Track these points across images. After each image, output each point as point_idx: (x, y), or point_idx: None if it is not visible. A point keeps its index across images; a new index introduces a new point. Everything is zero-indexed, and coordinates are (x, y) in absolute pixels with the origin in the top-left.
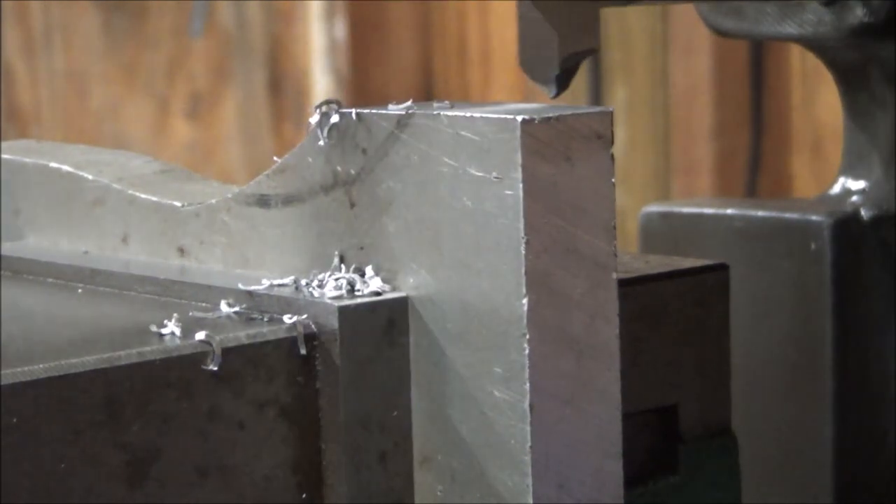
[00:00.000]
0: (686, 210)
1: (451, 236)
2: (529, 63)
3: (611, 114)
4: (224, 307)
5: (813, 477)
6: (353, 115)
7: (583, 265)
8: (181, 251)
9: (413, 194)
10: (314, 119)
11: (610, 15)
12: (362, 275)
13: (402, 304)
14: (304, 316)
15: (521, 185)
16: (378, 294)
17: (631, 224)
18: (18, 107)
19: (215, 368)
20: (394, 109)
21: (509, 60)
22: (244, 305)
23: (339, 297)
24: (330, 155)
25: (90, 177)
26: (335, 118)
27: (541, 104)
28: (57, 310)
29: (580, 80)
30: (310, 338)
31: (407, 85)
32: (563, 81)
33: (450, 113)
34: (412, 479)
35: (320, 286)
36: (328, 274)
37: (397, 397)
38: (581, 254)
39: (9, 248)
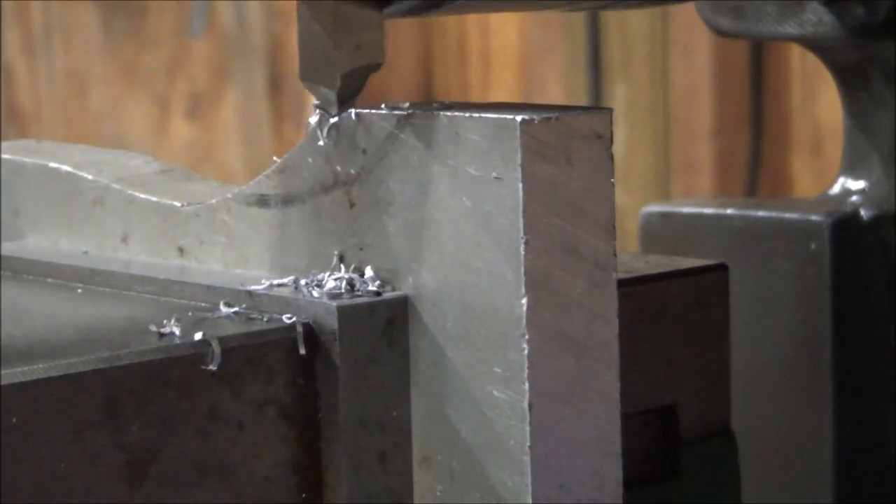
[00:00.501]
0: (686, 210)
1: (450, 236)
2: (310, 76)
3: (610, 113)
4: (224, 307)
5: (813, 477)
6: (353, 115)
7: (582, 265)
8: (181, 251)
9: (413, 194)
10: (314, 119)
11: (610, 15)
12: (362, 275)
13: (401, 304)
14: (304, 316)
15: (520, 185)
16: (377, 294)
17: (631, 224)
18: (18, 107)
19: (215, 368)
20: (393, 109)
21: (509, 60)
22: (244, 305)
23: (339, 297)
24: (329, 155)
25: (90, 177)
26: (335, 118)
27: (541, 104)
28: (57, 310)
29: (580, 79)
30: (309, 338)
31: (407, 85)
32: (345, 99)
33: (449, 113)
34: (412, 478)
35: (320, 286)
36: (328, 274)
37: (397, 397)
38: (581, 254)
39: (9, 248)
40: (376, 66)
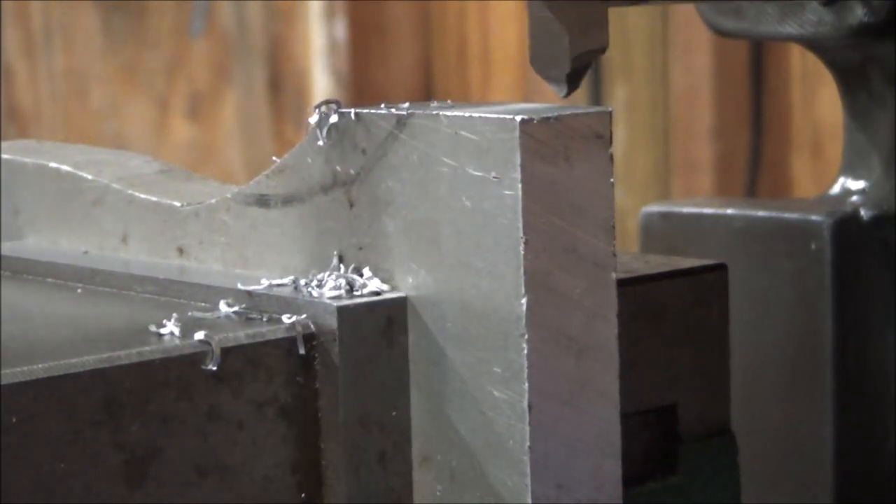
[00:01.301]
0: (686, 210)
1: (450, 236)
2: (540, 62)
3: (609, 114)
4: (223, 307)
5: (813, 477)
6: (353, 115)
7: (582, 265)
8: (180, 251)
9: (412, 194)
10: (313, 119)
11: (610, 15)
12: (361, 275)
13: (401, 304)
14: (304, 316)
15: (520, 185)
16: (377, 294)
17: (631, 224)
18: (18, 107)
19: (214, 368)
20: (393, 109)
21: (509, 60)
22: (243, 305)
23: (339, 297)
24: (329, 155)
25: (90, 177)
26: (334, 118)
27: (540, 104)
28: (56, 310)
29: None
30: (309, 338)
31: (407, 85)
32: (573, 80)
33: (449, 113)
34: (411, 478)
35: (319, 286)
36: (327, 274)
37: (396, 397)
38: (580, 254)
39: (9, 248)
40: (602, 50)
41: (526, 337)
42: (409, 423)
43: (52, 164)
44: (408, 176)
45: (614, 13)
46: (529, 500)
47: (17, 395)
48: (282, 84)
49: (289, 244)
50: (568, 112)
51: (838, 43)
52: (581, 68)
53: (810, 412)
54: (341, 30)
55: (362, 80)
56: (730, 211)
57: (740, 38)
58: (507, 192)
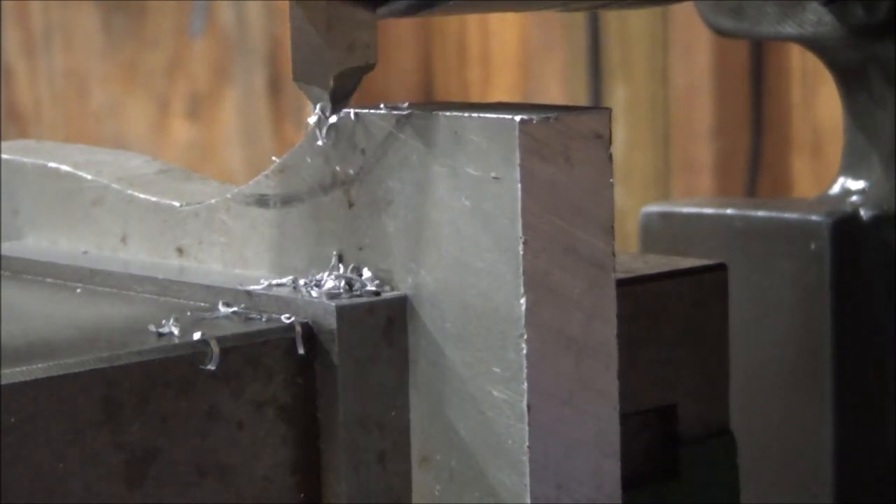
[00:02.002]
0: (686, 210)
1: (449, 236)
2: (304, 76)
3: (609, 113)
4: (223, 307)
5: (813, 477)
6: (352, 115)
7: (581, 265)
8: (180, 251)
9: (412, 194)
10: (313, 119)
11: (610, 15)
12: (361, 274)
13: (400, 304)
14: (303, 316)
15: (519, 185)
16: (376, 294)
17: (631, 224)
18: (18, 107)
19: (214, 368)
20: (392, 109)
21: (509, 60)
22: (243, 305)
23: (338, 297)
24: (329, 155)
25: (89, 177)
26: (334, 118)
27: (539, 104)
28: (56, 310)
29: (580, 79)
30: (308, 338)
31: (407, 85)
32: (338, 99)
33: (448, 113)
34: (411, 478)
35: (319, 286)
36: (327, 274)
37: (396, 397)
38: (579, 254)
39: (8, 248)
40: (370, 67)
41: (525, 337)
42: (408, 423)
43: (52, 164)
44: (407, 176)
45: (615, 13)
46: (528, 500)
47: (16, 395)
48: (282, 84)
49: (288, 244)
50: (567, 112)
51: (838, 43)
52: (348, 87)
53: (810, 412)
54: None
55: (362, 81)
56: (730, 211)
57: (740, 38)
58: (506, 192)
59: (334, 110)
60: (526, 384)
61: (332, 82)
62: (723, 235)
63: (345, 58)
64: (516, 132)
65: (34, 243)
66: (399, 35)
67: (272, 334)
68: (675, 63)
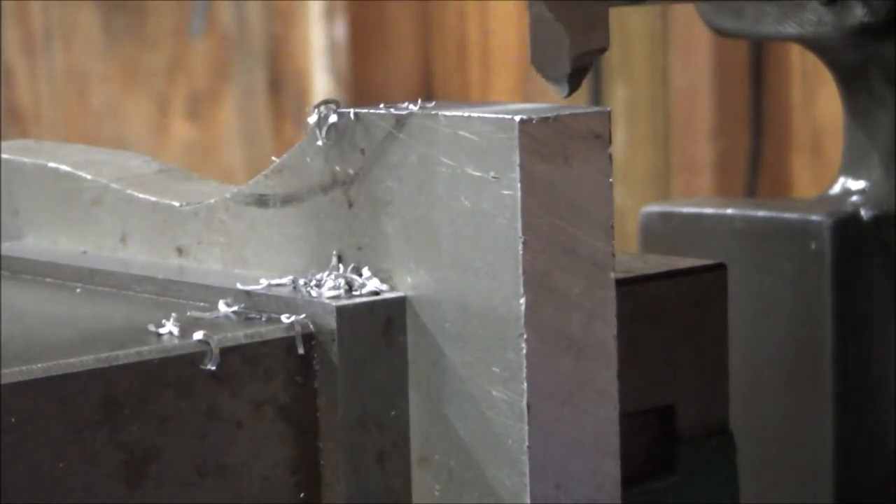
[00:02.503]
0: (686, 210)
1: (449, 236)
2: (541, 63)
3: (608, 113)
4: (222, 307)
5: (813, 477)
6: (352, 115)
7: (581, 265)
8: (179, 251)
9: (411, 194)
10: (313, 119)
11: (610, 15)
12: (360, 274)
13: (400, 304)
14: (303, 316)
15: (518, 185)
16: (376, 294)
17: (631, 224)
18: (18, 107)
19: (213, 368)
20: (392, 109)
21: (509, 60)
22: (242, 305)
23: (337, 297)
24: (328, 155)
25: (89, 177)
26: (333, 118)
27: (539, 104)
28: (55, 309)
29: None
30: (308, 337)
31: (407, 85)
32: (574, 80)
33: (448, 113)
34: (410, 478)
35: (318, 286)
36: (326, 274)
37: (395, 397)
38: (579, 253)
39: (8, 248)
40: (603, 50)
41: (525, 337)
42: (407, 422)
43: (52, 164)
44: (407, 176)
45: (614, 13)
46: (528, 500)
47: (16, 395)
48: (282, 84)
49: (288, 244)
50: (567, 112)
51: (838, 43)
52: (581, 68)
53: (810, 412)
54: (341, 30)
55: (362, 81)
56: (730, 211)
57: (740, 38)
58: (505, 192)
59: (571, 91)
60: (525, 384)
61: (569, 65)
62: (723, 235)
63: (581, 43)
64: (516, 132)
65: (34, 243)
66: (399, 35)
67: (272, 334)
68: (675, 63)
